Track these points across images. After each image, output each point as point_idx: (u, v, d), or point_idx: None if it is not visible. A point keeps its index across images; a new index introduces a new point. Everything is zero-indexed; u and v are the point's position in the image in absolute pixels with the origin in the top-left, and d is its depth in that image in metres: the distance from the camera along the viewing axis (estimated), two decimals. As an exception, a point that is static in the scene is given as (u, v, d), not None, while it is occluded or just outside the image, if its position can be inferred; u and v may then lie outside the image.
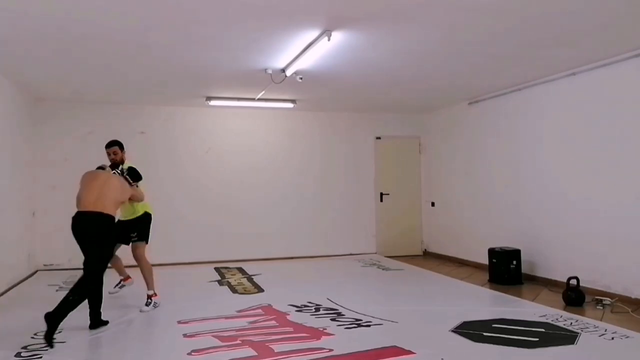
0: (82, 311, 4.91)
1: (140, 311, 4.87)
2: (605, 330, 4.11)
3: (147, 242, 5.11)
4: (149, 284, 5.03)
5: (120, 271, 5.45)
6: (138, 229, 5.07)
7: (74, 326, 4.30)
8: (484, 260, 6.60)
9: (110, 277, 5.29)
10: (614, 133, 5.32)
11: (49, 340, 3.81)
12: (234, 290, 5.89)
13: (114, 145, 5.03)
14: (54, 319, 3.86)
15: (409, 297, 5.59)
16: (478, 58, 5.31)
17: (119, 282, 5.53)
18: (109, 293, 5.28)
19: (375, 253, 8.78)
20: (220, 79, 6.24)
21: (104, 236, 4.34)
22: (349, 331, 4.13)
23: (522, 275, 6.22)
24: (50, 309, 3.87)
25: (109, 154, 5.02)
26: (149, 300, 4.96)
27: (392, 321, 4.42)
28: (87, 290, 4.23)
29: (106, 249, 4.44)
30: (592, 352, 3.64)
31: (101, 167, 4.83)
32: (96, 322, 4.36)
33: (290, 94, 7.25)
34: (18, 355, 3.58)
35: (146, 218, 5.14)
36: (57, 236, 7.30)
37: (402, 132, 9.07)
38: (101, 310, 4.40)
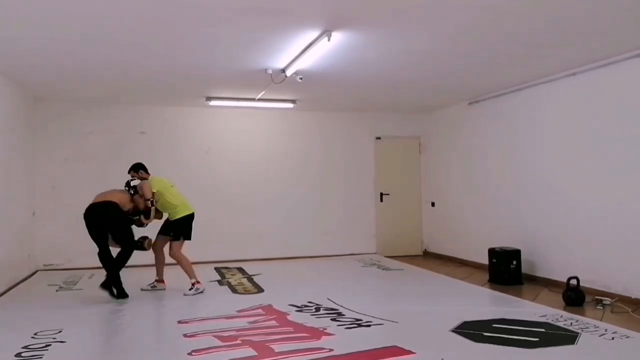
0: (81, 311, 4.91)
1: (184, 295, 5.48)
2: (605, 330, 4.10)
3: (182, 240, 5.67)
4: (189, 275, 5.65)
5: (158, 271, 5.89)
6: (174, 230, 5.67)
7: (74, 326, 4.31)
8: (484, 260, 6.60)
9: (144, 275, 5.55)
10: (614, 133, 5.32)
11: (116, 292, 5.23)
12: (234, 290, 5.89)
13: (130, 170, 5.78)
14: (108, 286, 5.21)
15: (409, 297, 5.59)
16: (478, 58, 5.31)
17: (153, 282, 5.88)
18: (141, 289, 5.76)
19: (375, 253, 8.78)
20: (220, 79, 6.24)
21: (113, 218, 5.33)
22: (349, 331, 4.13)
23: (522, 275, 6.22)
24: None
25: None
26: (192, 287, 5.58)
27: (392, 321, 4.42)
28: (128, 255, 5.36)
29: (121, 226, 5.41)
30: (592, 352, 3.64)
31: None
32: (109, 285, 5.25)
33: (290, 94, 7.25)
34: (18, 355, 3.58)
35: (181, 221, 5.67)
36: (57, 236, 7.33)
37: (402, 132, 9.07)
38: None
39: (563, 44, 4.81)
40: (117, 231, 5.33)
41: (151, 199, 5.54)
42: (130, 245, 5.39)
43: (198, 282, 5.62)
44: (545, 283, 6.09)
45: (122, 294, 5.29)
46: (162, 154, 7.93)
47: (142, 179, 5.72)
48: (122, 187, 5.73)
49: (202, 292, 5.60)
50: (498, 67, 5.74)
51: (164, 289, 5.82)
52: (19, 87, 6.45)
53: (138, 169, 5.77)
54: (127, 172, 5.80)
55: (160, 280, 5.86)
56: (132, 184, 5.68)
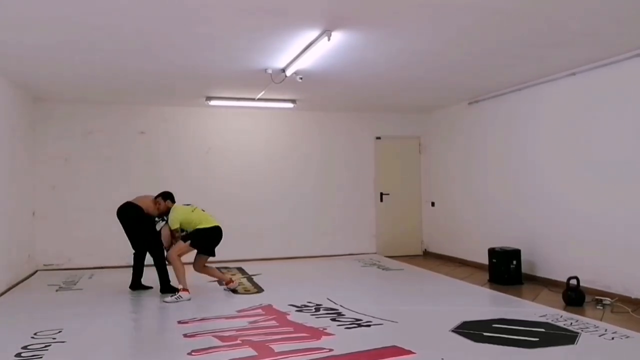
0: (81, 311, 4.91)
1: (164, 300, 5.27)
2: (605, 330, 4.10)
3: (189, 246, 5.54)
4: (180, 280, 5.44)
5: (219, 278, 5.99)
6: (189, 235, 5.58)
7: (74, 326, 4.31)
8: (484, 260, 6.60)
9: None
10: (613, 132, 5.32)
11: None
12: (233, 290, 5.89)
13: (157, 197, 5.82)
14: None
15: (409, 297, 5.59)
16: (478, 58, 5.31)
17: (225, 286, 5.94)
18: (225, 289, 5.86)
19: (375, 253, 8.78)
20: (220, 79, 6.24)
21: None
22: (349, 331, 4.13)
23: (522, 275, 6.22)
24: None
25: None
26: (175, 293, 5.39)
27: (392, 321, 4.42)
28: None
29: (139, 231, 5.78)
30: (592, 352, 3.64)
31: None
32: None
33: (290, 94, 7.25)
34: (18, 355, 3.58)
35: (200, 231, 5.56)
36: (57, 236, 7.34)
37: (402, 132, 9.07)
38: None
39: (563, 44, 4.81)
40: (135, 233, 5.72)
41: (176, 231, 5.61)
42: (155, 247, 5.71)
43: (185, 290, 5.34)
44: (545, 283, 6.09)
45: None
46: (162, 154, 7.93)
47: (166, 208, 5.73)
48: (137, 190, 6.09)
49: (187, 300, 5.30)
50: (498, 67, 5.74)
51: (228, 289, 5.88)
52: (19, 88, 6.45)
53: (166, 198, 5.78)
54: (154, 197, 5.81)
55: (228, 281, 5.92)
56: (164, 217, 5.76)
